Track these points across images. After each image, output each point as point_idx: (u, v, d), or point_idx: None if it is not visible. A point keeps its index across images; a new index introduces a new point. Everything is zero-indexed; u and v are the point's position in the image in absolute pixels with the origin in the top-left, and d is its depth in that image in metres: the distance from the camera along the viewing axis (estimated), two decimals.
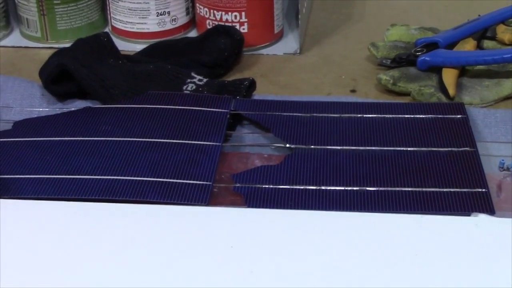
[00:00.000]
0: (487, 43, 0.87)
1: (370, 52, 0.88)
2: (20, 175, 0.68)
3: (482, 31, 0.87)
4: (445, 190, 0.66)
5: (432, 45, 0.86)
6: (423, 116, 0.76)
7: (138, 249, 0.59)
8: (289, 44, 0.92)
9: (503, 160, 0.69)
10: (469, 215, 0.63)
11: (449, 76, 0.82)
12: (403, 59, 0.86)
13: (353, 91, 0.84)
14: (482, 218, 0.61)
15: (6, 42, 0.94)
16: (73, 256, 0.59)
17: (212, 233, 0.60)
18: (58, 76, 0.80)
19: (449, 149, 0.71)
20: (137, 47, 0.91)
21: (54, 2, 0.91)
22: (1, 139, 0.73)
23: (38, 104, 0.80)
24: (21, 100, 0.80)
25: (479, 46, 0.87)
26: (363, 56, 0.90)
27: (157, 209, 0.63)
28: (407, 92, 0.82)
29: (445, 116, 0.76)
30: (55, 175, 0.68)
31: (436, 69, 0.83)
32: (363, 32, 0.96)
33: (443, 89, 0.81)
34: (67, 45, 0.86)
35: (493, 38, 0.87)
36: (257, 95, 0.82)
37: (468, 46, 0.86)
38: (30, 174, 0.68)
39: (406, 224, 0.61)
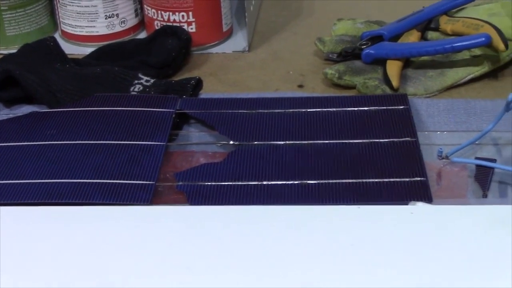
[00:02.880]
0: (431, 34, 0.88)
1: (317, 47, 0.89)
2: None
3: (426, 23, 0.88)
4: (384, 180, 0.67)
5: (377, 38, 0.87)
6: (367, 108, 0.77)
7: (79, 251, 0.60)
8: (238, 42, 0.93)
9: (441, 148, 0.70)
10: (407, 204, 0.64)
11: (393, 68, 0.83)
12: (349, 53, 0.87)
13: (300, 86, 0.85)
14: (418, 207, 0.62)
15: None
16: (14, 263, 0.59)
17: (153, 232, 0.61)
18: (4, 82, 0.81)
19: (390, 140, 0.72)
20: (87, 50, 0.91)
21: (2, 8, 0.91)
22: None
23: None
24: None
25: (424, 37, 0.88)
26: (311, 52, 0.91)
27: (98, 211, 0.64)
28: (352, 85, 0.83)
29: (388, 107, 0.77)
30: (0, 180, 0.69)
31: (381, 62, 0.84)
32: (312, 27, 0.97)
33: (387, 81, 0.82)
34: (16, 51, 0.86)
35: (436, 29, 0.88)
36: (205, 94, 0.83)
37: (412, 37, 0.87)
38: None
39: (343, 216, 0.61)
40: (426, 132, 0.75)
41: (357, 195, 0.66)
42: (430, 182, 0.67)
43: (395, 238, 0.59)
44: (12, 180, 0.69)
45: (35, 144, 0.73)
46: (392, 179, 0.67)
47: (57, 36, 0.93)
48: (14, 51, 0.87)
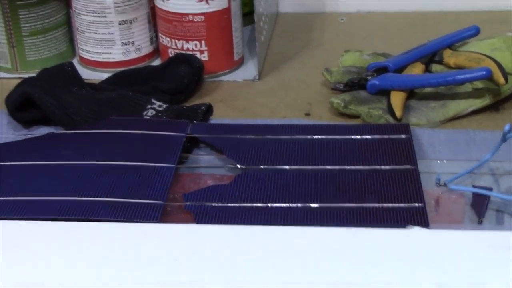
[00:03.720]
0: (435, 67, 0.91)
1: (325, 77, 0.92)
2: None
3: (430, 56, 0.91)
4: (384, 205, 0.70)
5: (382, 70, 0.90)
6: (370, 136, 0.80)
7: (89, 266, 0.63)
8: (248, 70, 0.96)
9: (438, 176, 0.73)
10: (404, 228, 0.66)
11: (397, 99, 0.85)
12: (355, 83, 0.89)
13: (307, 114, 0.88)
14: (414, 230, 0.65)
15: None
16: (27, 275, 0.62)
17: (160, 247, 0.64)
18: (23, 104, 0.84)
19: (391, 167, 0.75)
20: (104, 75, 0.94)
21: (23, 34, 0.95)
22: None
23: (4, 131, 0.84)
24: None
25: (428, 70, 0.90)
26: (319, 81, 0.94)
27: (108, 227, 0.67)
28: (357, 114, 0.86)
29: (390, 136, 0.80)
30: (16, 197, 0.72)
31: (385, 92, 0.87)
32: (320, 58, 1.00)
33: (391, 111, 0.84)
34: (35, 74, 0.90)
35: (440, 62, 0.90)
36: (215, 119, 0.86)
37: (416, 70, 0.90)
38: None
39: (342, 237, 0.64)
40: (426, 161, 0.78)
41: (357, 218, 0.68)
42: (428, 208, 0.69)
43: (391, 259, 0.61)
44: (28, 196, 0.72)
45: (51, 164, 0.76)
46: (391, 204, 0.70)
47: (75, 61, 0.97)
48: (33, 74, 0.91)
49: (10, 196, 0.72)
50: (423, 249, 0.62)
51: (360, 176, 0.74)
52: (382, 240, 0.63)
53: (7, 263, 0.63)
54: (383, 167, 0.75)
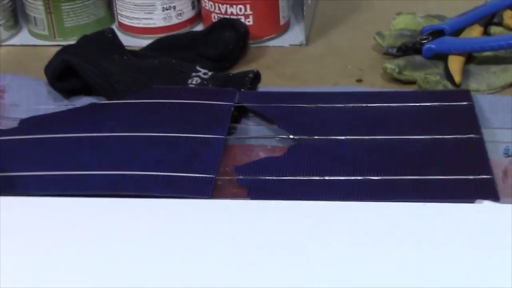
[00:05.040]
0: (494, 29, 0.86)
1: (376, 41, 0.88)
2: (25, 172, 0.69)
3: (489, 17, 0.86)
4: (449, 177, 0.66)
5: (438, 33, 0.85)
6: (429, 104, 0.76)
7: (142, 244, 0.60)
8: (295, 35, 0.92)
9: (507, 146, 0.69)
10: (473, 202, 0.63)
11: (455, 63, 0.81)
12: (409, 48, 0.85)
13: (359, 80, 0.84)
14: (485, 205, 0.61)
15: (15, 41, 0.95)
16: (78, 253, 0.59)
17: (214, 226, 0.61)
18: (63, 73, 0.81)
19: (454, 136, 0.71)
20: (144, 42, 0.90)
21: (61, 0, 0.91)
22: (8, 137, 0.74)
23: (44, 102, 0.81)
24: (27, 98, 0.81)
25: (486, 32, 0.86)
26: (370, 46, 0.89)
27: (160, 203, 0.63)
28: (413, 80, 0.82)
29: (450, 103, 0.76)
30: (60, 171, 0.69)
31: (442, 57, 0.83)
32: (370, 21, 0.95)
33: (449, 76, 0.80)
34: (75, 42, 0.86)
35: (500, 24, 0.86)
36: (263, 87, 0.82)
37: (474, 32, 0.85)
38: (35, 171, 0.69)
39: (408, 213, 0.60)
40: (490, 129, 0.73)
41: (421, 192, 0.64)
42: (495, 180, 0.65)
43: (462, 238, 0.58)
44: (72, 171, 0.69)
45: (94, 136, 0.73)
46: (456, 176, 0.66)
47: (114, 28, 0.93)
48: (72, 42, 0.87)
49: (52, 171, 0.69)
50: (497, 226, 0.58)
51: (421, 146, 0.70)
52: (451, 216, 0.59)
53: (51, 241, 0.60)
54: (445, 136, 0.71)
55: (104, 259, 0.58)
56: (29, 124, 0.76)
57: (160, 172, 0.68)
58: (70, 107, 0.79)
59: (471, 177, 0.66)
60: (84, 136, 0.73)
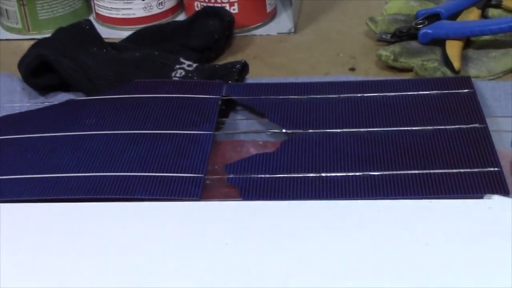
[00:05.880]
0: (492, 12, 0.83)
1: (369, 27, 0.84)
2: None
3: None
4: (454, 171, 0.61)
5: (433, 17, 0.81)
6: (428, 92, 0.72)
7: (128, 251, 0.55)
8: (283, 23, 0.88)
9: None
10: (481, 197, 0.58)
11: (453, 49, 0.77)
12: (403, 33, 0.81)
13: (352, 69, 0.80)
14: (495, 200, 0.57)
15: None
16: (59, 263, 0.55)
17: (205, 230, 0.56)
18: (38, 68, 0.77)
19: (457, 126, 0.67)
20: (124, 34, 0.86)
21: None
22: None
23: (19, 99, 0.77)
24: (0, 95, 0.77)
25: (484, 15, 0.83)
26: (362, 32, 0.86)
27: (146, 207, 0.59)
28: (409, 67, 0.78)
29: (451, 91, 0.72)
30: (37, 174, 0.64)
31: (439, 42, 0.79)
32: (361, 6, 0.91)
33: (447, 62, 0.76)
34: (50, 35, 0.82)
35: (498, 6, 0.83)
36: (251, 79, 0.78)
37: (472, 15, 0.82)
38: (9, 175, 0.64)
39: (414, 211, 0.56)
40: (493, 118, 0.69)
41: (425, 187, 0.60)
42: (503, 173, 0.61)
43: (474, 237, 0.53)
44: (49, 174, 0.64)
45: (73, 135, 0.69)
46: (462, 170, 0.62)
47: (91, 19, 0.88)
48: (47, 35, 0.83)
49: (28, 174, 0.64)
50: (510, 224, 0.54)
51: (422, 138, 0.66)
52: (461, 214, 0.55)
53: (29, 249, 0.55)
54: (447, 127, 0.67)
55: (88, 268, 0.54)
56: (2, 123, 0.72)
57: (144, 172, 0.63)
58: (46, 104, 0.75)
59: (477, 170, 0.61)
60: (62, 135, 0.69)
